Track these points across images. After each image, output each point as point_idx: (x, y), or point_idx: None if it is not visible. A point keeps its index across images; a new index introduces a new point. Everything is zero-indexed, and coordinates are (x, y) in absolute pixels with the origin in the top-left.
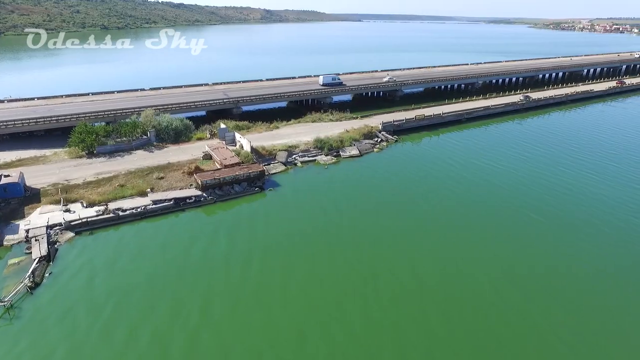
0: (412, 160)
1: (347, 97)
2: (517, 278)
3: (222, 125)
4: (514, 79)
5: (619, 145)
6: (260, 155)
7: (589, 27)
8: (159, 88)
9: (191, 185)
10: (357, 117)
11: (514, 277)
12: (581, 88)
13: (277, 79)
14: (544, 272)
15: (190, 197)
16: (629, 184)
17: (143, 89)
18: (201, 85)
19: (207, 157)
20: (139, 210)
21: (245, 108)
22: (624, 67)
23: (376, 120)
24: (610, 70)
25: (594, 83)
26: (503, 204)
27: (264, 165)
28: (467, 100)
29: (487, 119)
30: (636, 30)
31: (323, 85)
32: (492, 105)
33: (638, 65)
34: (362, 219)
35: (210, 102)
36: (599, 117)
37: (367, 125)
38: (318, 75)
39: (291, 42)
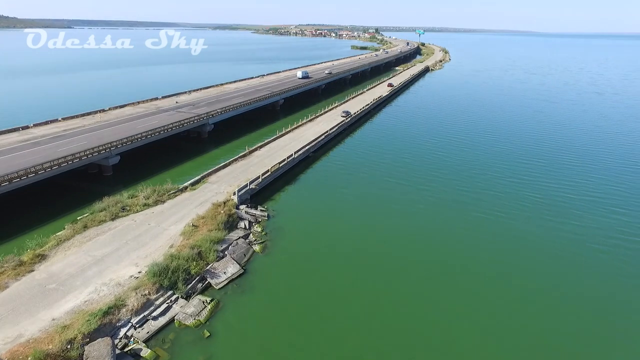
0: (312, 256)
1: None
2: None
3: None
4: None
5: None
6: None
7: (300, 32)
8: None
9: None
10: (185, 189)
11: None
12: (373, 95)
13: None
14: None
15: None
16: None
17: None
18: None
19: None
20: None
21: None
22: (370, 68)
23: (219, 188)
24: (360, 74)
25: (373, 88)
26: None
27: None
28: (295, 127)
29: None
30: (333, 35)
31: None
32: (328, 131)
33: (371, 68)
34: None
35: None
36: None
37: (217, 205)
38: (69, 118)
39: None
